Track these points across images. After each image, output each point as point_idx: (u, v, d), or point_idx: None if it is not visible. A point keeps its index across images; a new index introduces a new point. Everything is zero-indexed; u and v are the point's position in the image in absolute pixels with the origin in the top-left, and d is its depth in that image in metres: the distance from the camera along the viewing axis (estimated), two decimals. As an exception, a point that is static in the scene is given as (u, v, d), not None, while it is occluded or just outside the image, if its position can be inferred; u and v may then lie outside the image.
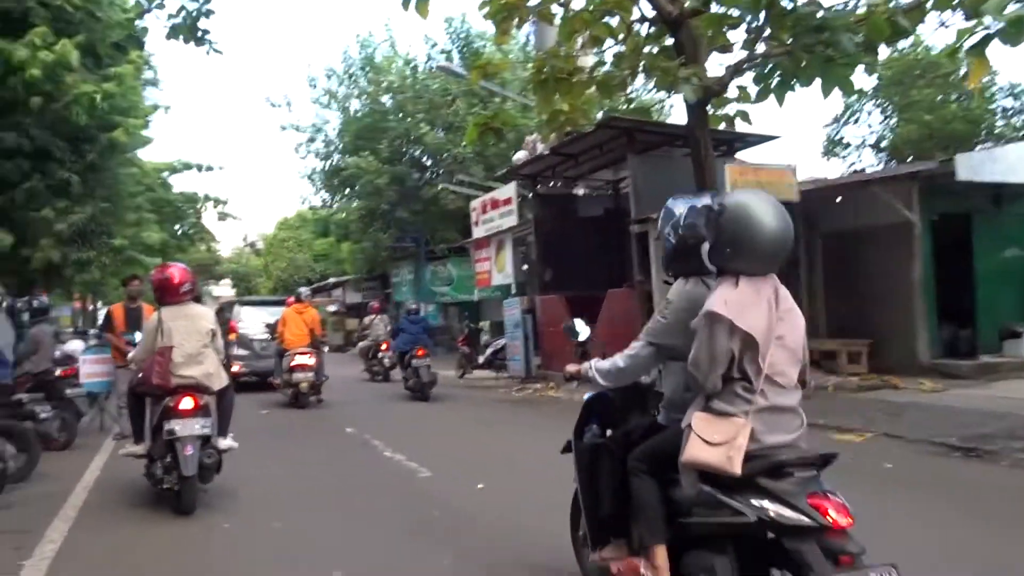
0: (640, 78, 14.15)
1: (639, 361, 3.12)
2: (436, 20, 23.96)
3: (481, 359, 16.48)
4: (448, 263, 25.49)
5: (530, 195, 16.26)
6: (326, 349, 14.53)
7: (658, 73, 12.58)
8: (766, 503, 2.53)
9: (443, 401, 12.54)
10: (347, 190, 25.15)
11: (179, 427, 5.47)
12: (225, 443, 6.00)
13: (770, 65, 11.82)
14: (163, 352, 5.66)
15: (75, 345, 11.47)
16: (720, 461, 2.59)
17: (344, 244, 33.77)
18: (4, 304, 6.86)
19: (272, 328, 13.46)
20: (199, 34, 10.11)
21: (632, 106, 12.90)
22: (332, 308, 33.89)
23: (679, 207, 3.20)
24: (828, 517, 2.46)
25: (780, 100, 11.96)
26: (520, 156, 15.32)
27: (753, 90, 12.71)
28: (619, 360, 3.16)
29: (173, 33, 10.03)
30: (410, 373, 12.91)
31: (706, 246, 2.85)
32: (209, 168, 25.45)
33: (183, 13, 9.93)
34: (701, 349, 2.70)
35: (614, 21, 12.97)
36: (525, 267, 16.07)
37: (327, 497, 6.10)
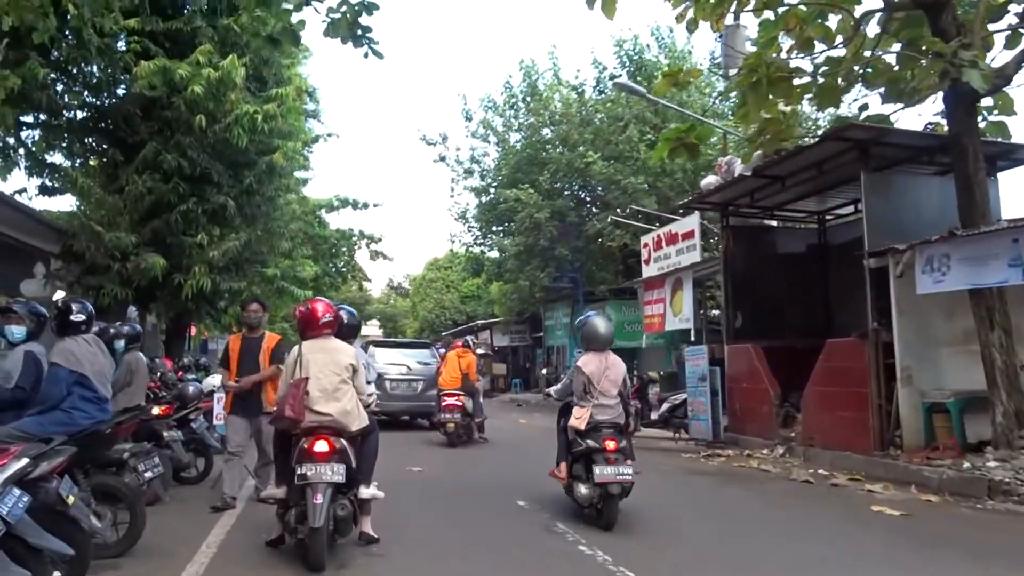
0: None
1: (565, 387, 7.03)
2: (605, 44, 21.99)
3: (655, 415, 14.23)
4: (607, 306, 23.45)
5: (717, 227, 14.05)
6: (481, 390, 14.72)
7: (883, 79, 10.27)
8: (590, 441, 6.37)
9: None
10: (502, 227, 23.83)
11: (311, 472, 4.97)
12: (367, 492, 5.49)
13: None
14: (298, 384, 5.21)
15: (218, 380, 10.38)
16: (578, 424, 6.44)
17: (494, 285, 32.61)
18: (91, 327, 5.52)
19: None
20: (359, 32, 8.84)
21: (864, 116, 10.43)
22: (480, 351, 32.65)
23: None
24: (606, 444, 6.27)
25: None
26: (710, 181, 13.20)
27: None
28: (558, 387, 7.24)
29: (331, 31, 8.79)
30: None
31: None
32: (365, 205, 25.16)
33: (344, 7, 8.69)
34: (574, 381, 6.72)
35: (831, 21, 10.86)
36: (716, 312, 13.77)
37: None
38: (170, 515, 6.19)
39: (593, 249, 21.87)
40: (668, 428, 13.94)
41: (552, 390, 7.44)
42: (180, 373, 13.58)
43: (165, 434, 6.96)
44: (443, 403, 12.76)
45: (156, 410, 7.00)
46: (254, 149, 13.87)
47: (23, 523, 3.53)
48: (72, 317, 5.29)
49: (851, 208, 13.61)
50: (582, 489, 6.41)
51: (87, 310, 5.43)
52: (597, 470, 6.17)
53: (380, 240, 26.62)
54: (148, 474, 5.20)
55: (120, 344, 7.08)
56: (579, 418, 6.44)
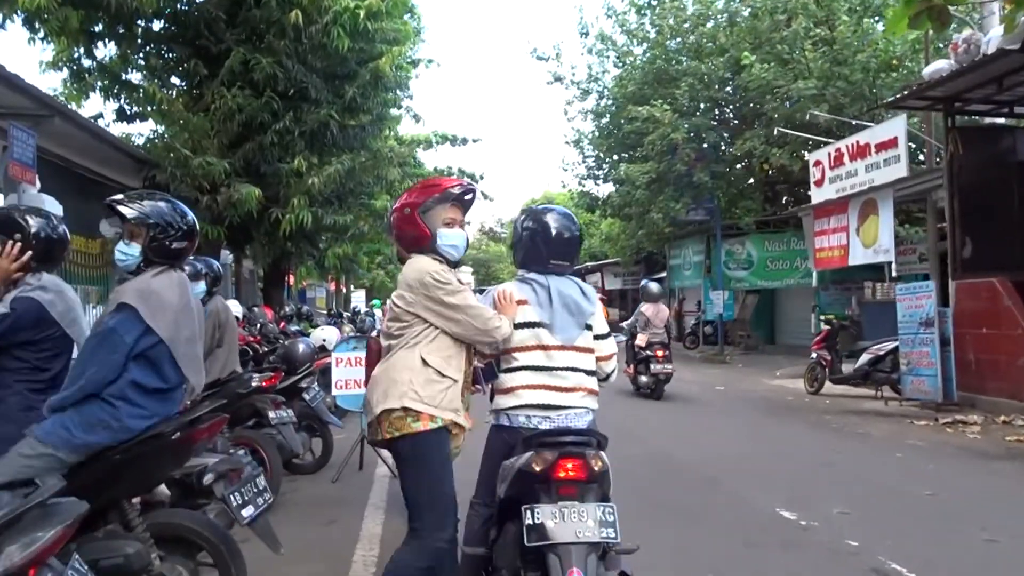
0: None
1: (632, 324, 11.73)
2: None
3: (850, 369, 11.47)
4: (747, 241, 20.49)
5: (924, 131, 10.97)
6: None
7: None
8: (648, 352, 11.24)
9: (858, 441, 7.91)
10: (625, 154, 20.97)
11: (554, 523, 2.55)
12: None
13: None
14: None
15: (328, 334, 8.34)
16: (641, 343, 11.30)
17: (604, 222, 29.86)
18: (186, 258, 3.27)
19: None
20: None
21: None
22: (589, 295, 30.19)
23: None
24: (657, 353, 11.16)
25: None
26: (940, 67, 10.07)
27: None
28: (629, 322, 12.21)
29: None
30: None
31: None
32: (464, 141, 22.81)
33: None
34: (638, 320, 11.62)
35: None
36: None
37: None
38: (282, 539, 4.05)
39: (736, 174, 18.85)
40: (867, 384, 11.20)
41: (625, 324, 12.30)
42: (282, 324, 11.76)
43: (271, 414, 4.83)
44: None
45: (257, 381, 4.84)
46: (355, 58, 11.66)
47: None
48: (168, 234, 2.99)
49: None
50: (643, 379, 11.33)
51: (190, 222, 3.11)
52: (653, 366, 11.03)
53: (481, 179, 24.43)
54: (247, 511, 2.98)
55: (200, 287, 4.95)
56: (641, 339, 11.17)
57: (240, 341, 8.90)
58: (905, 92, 10.96)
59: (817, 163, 14.09)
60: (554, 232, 3.14)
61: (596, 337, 3.14)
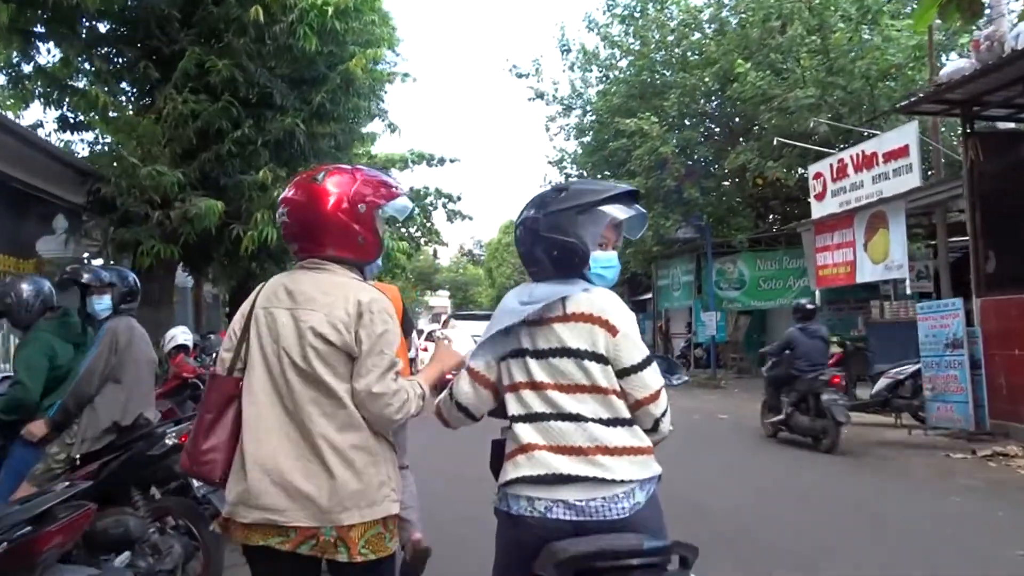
0: None
1: None
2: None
3: (867, 395, 10.59)
4: (738, 260, 19.69)
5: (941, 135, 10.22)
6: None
7: None
8: None
9: (902, 481, 6.96)
10: (610, 172, 20.18)
11: None
12: None
13: None
14: (217, 385, 2.20)
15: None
16: None
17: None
18: None
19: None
20: None
21: None
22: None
23: None
24: None
25: None
26: (960, 67, 9.33)
27: None
28: None
29: None
30: None
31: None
32: (442, 161, 21.95)
33: None
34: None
35: None
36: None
37: None
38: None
39: (727, 190, 18.06)
40: (886, 412, 10.32)
41: None
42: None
43: (196, 482, 3.67)
44: None
45: (173, 437, 3.65)
46: (324, 61, 10.73)
47: None
48: None
49: None
50: None
51: None
52: None
53: (459, 199, 23.58)
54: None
55: (102, 303, 3.86)
56: None
57: (190, 373, 7.85)
58: (921, 95, 10.18)
59: (818, 175, 13.35)
60: (520, 230, 2.22)
61: (622, 372, 2.00)
